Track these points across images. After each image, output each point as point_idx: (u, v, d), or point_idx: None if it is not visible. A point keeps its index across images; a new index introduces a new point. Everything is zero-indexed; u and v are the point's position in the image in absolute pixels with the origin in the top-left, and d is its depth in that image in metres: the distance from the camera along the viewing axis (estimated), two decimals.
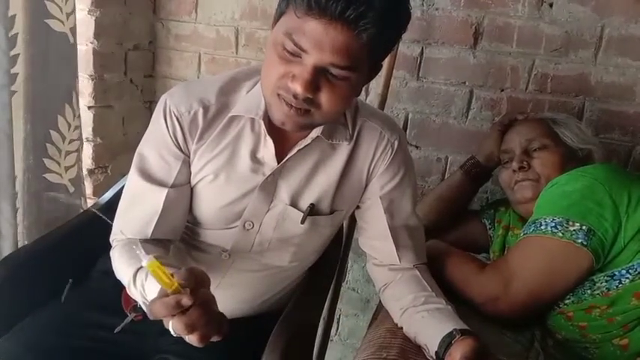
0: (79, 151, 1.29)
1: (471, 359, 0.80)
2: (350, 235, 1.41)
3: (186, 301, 0.68)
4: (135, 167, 0.96)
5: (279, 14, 0.83)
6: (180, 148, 0.94)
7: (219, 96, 0.95)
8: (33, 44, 1.17)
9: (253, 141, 0.95)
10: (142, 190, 0.95)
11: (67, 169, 1.27)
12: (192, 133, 0.94)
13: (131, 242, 0.93)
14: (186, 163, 0.96)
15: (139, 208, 0.96)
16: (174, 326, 0.71)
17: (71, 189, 1.29)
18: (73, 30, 1.23)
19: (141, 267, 0.86)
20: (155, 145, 0.95)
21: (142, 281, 0.85)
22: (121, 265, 0.92)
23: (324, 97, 0.82)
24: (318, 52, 0.78)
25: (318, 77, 0.80)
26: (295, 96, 0.81)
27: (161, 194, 0.94)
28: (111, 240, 1.00)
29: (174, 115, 0.92)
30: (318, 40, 0.77)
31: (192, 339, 0.71)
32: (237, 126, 0.95)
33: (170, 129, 0.93)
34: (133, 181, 0.96)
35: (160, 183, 0.94)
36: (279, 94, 0.83)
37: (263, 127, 0.92)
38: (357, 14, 0.75)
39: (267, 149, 0.94)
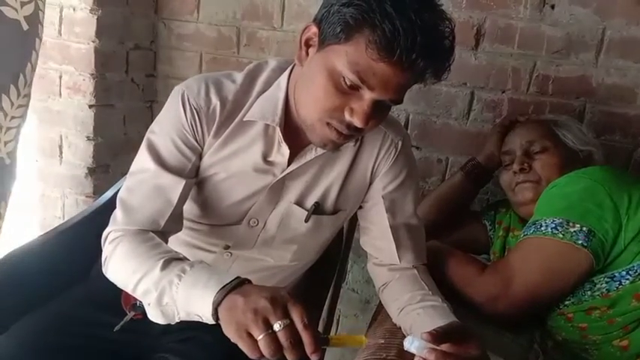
0: (19, 127, 1.34)
1: (444, 334, 0.77)
2: (350, 235, 1.40)
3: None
4: (149, 157, 0.93)
5: (334, 40, 0.80)
6: (197, 141, 0.94)
7: (236, 93, 0.95)
8: None
9: (266, 144, 0.95)
10: (160, 180, 0.92)
11: (6, 143, 1.31)
12: (210, 126, 0.94)
13: (147, 237, 0.89)
14: (199, 157, 0.96)
15: (155, 197, 0.92)
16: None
17: (7, 161, 1.33)
18: (29, 18, 1.26)
19: (167, 264, 0.81)
20: (172, 136, 0.93)
21: (179, 286, 0.78)
22: (137, 258, 0.86)
23: (371, 123, 0.85)
24: (382, 91, 0.80)
25: (374, 109, 0.82)
26: (349, 126, 0.84)
27: (179, 185, 0.92)
28: (110, 230, 0.93)
29: (194, 107, 0.92)
30: (387, 81, 0.79)
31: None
32: (251, 128, 0.95)
33: (190, 121, 0.92)
34: (150, 172, 0.93)
35: (178, 173, 0.93)
36: (329, 123, 0.85)
37: (279, 133, 0.93)
38: (425, 64, 0.79)
39: (282, 154, 0.95)
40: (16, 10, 1.23)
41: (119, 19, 1.70)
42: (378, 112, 0.84)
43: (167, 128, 0.95)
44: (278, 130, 0.92)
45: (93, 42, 1.64)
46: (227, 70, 1.02)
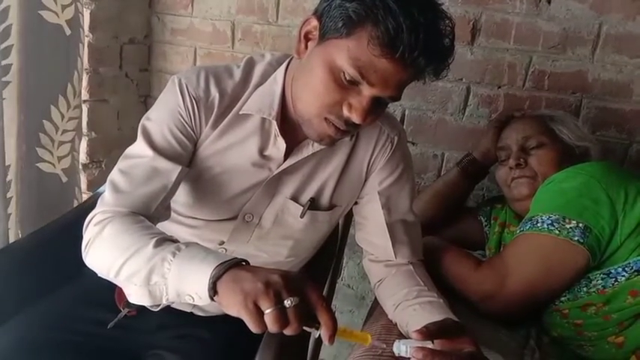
0: (73, 141, 1.29)
1: (437, 330, 0.77)
2: (345, 231, 1.40)
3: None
4: (145, 143, 0.91)
5: (335, 34, 0.79)
6: (193, 130, 0.93)
7: (234, 86, 0.94)
8: (26, 35, 1.17)
9: (262, 138, 0.94)
10: (156, 164, 0.90)
11: (60, 159, 1.27)
12: (208, 116, 0.93)
13: (138, 219, 0.86)
14: (194, 146, 0.95)
15: (150, 181, 0.90)
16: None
17: (64, 179, 1.29)
18: (71, 22, 1.23)
19: (161, 243, 0.78)
20: (169, 123, 0.92)
21: (173, 264, 0.75)
22: (128, 238, 0.82)
23: (369, 119, 0.84)
24: (382, 87, 0.80)
25: (372, 105, 0.82)
26: (347, 122, 0.83)
27: (175, 170, 0.91)
28: (97, 212, 0.89)
29: (193, 97, 0.92)
30: (387, 77, 0.79)
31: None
32: (247, 122, 0.94)
33: (188, 109, 0.92)
34: (147, 157, 0.91)
35: (174, 160, 0.91)
36: (326, 118, 0.84)
37: (275, 127, 0.92)
38: (426, 62, 0.79)
39: (277, 148, 0.94)
40: (57, 14, 1.20)
41: (113, 13, 1.68)
42: (376, 109, 0.84)
43: (164, 116, 0.93)
44: (274, 123, 0.92)
45: (86, 36, 1.63)
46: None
